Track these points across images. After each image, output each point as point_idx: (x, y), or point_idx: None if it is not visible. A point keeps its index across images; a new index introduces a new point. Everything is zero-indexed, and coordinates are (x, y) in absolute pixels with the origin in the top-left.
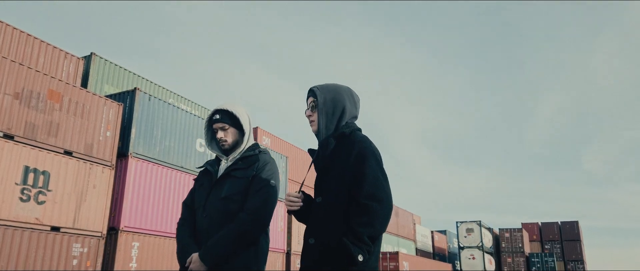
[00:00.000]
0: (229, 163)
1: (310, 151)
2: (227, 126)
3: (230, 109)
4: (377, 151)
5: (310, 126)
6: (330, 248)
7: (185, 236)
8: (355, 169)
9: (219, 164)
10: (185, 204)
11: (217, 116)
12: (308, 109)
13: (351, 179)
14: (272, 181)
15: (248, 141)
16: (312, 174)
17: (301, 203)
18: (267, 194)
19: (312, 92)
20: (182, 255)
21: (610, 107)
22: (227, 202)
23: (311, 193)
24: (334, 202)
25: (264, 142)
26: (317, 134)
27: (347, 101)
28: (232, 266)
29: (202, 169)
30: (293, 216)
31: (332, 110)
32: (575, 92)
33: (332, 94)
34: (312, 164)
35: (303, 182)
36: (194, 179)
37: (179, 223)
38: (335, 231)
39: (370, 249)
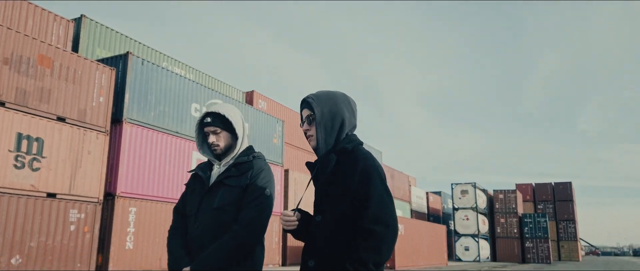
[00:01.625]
0: (222, 169)
1: (309, 165)
2: (219, 130)
3: (222, 112)
4: (381, 168)
5: (308, 141)
6: None
7: (177, 247)
8: (359, 188)
9: (211, 169)
10: (177, 210)
11: (209, 119)
12: (304, 122)
13: (354, 199)
14: (267, 190)
15: (241, 146)
16: (310, 191)
17: (297, 223)
18: (263, 205)
19: (306, 104)
20: (174, 267)
21: (607, 68)
22: (219, 213)
23: (306, 207)
24: (336, 222)
25: (260, 106)
26: (316, 149)
27: (346, 110)
28: None
29: (193, 173)
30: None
31: (330, 123)
32: (573, 53)
33: (329, 105)
34: (311, 180)
35: (300, 200)
36: (186, 185)
37: (170, 232)
38: (337, 254)
39: None
